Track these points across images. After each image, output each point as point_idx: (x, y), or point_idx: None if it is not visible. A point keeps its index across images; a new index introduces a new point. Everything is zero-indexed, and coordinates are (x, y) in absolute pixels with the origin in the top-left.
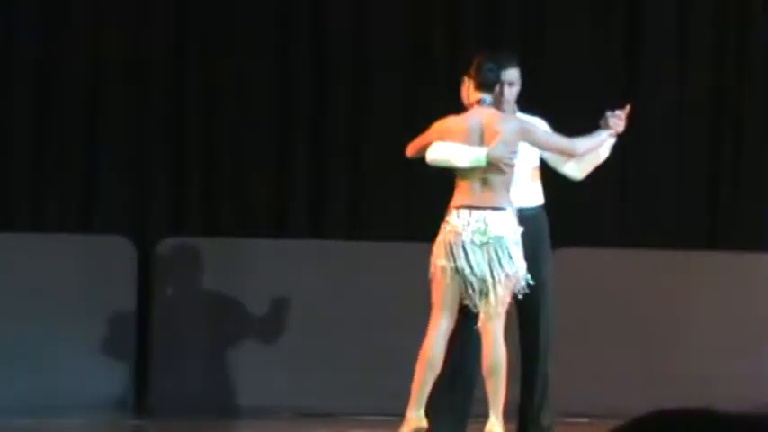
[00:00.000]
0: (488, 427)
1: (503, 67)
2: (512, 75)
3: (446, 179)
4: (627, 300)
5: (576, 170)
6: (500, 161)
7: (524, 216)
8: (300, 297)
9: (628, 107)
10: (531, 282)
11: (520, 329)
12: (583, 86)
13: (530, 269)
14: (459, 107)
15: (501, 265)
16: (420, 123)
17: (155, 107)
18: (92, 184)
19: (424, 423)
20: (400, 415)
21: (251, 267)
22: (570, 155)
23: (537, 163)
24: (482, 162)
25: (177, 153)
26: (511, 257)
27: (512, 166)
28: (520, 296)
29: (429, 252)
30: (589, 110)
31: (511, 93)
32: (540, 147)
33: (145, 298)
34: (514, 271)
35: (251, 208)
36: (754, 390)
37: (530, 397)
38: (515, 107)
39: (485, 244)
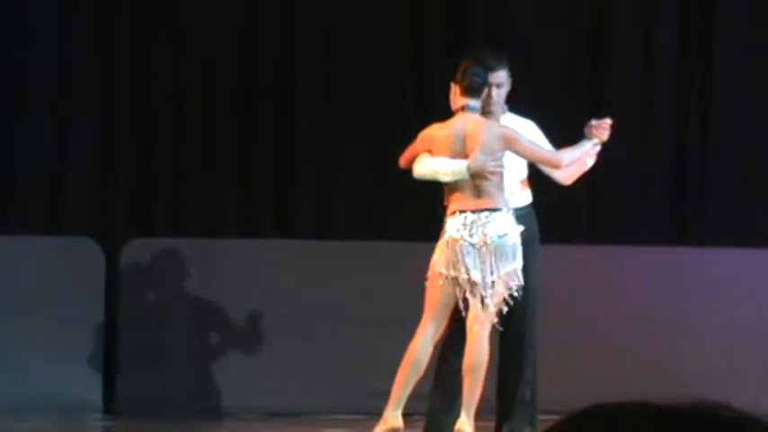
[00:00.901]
0: (458, 425)
1: (490, 68)
2: (499, 76)
3: (415, 179)
4: (605, 297)
5: (564, 176)
6: (482, 171)
7: (515, 217)
8: (269, 297)
9: (609, 119)
10: (522, 283)
11: (502, 330)
12: (550, 90)
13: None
14: (425, 108)
15: (500, 265)
16: (386, 123)
17: (121, 106)
18: (57, 184)
19: (401, 423)
20: (374, 414)
21: (219, 267)
22: (555, 167)
23: (525, 174)
24: (465, 174)
25: (143, 153)
26: (511, 257)
27: (497, 173)
28: (515, 294)
29: (397, 251)
30: (558, 111)
31: (499, 94)
32: (524, 157)
33: (112, 299)
34: (513, 270)
35: (218, 208)
36: (742, 387)
37: (506, 404)
38: (505, 108)
39: (484, 245)
